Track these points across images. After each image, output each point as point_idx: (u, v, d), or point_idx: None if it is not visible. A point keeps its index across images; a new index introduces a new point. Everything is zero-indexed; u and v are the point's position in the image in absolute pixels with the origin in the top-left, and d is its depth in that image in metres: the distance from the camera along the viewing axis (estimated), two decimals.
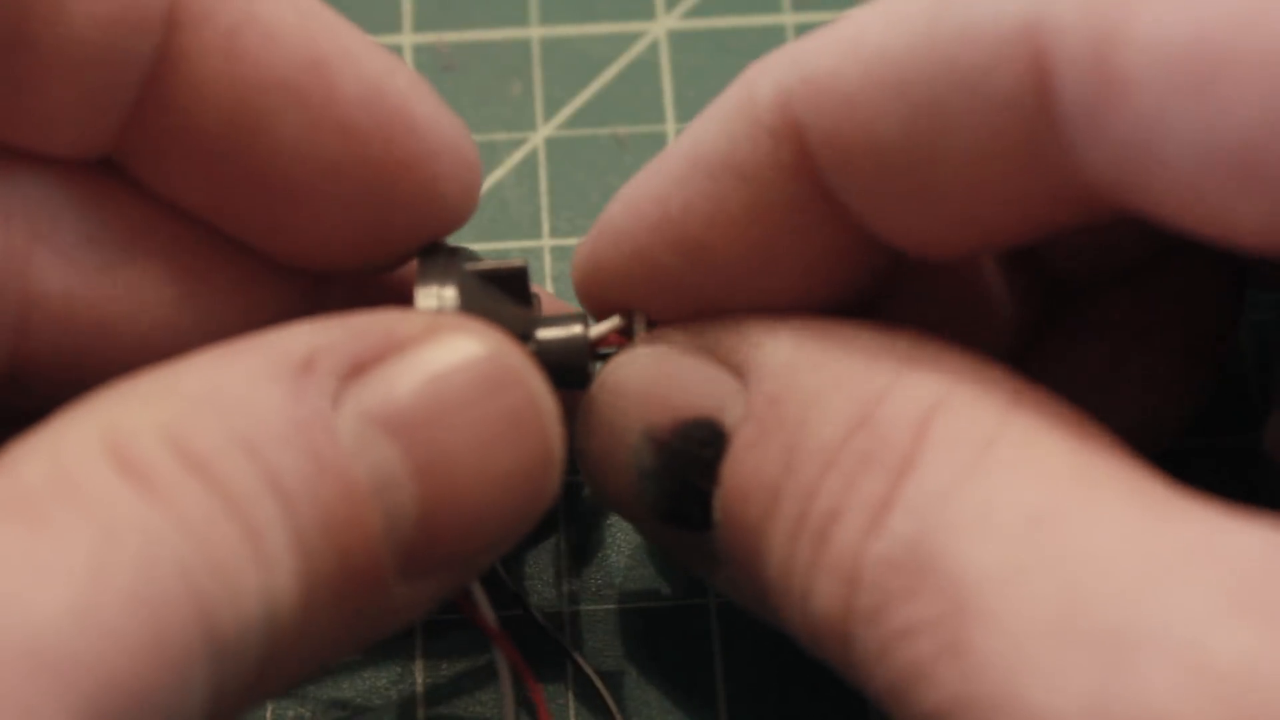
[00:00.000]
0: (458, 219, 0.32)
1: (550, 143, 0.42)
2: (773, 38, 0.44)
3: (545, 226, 0.41)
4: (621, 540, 0.37)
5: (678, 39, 0.44)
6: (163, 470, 0.25)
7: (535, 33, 0.44)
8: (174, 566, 0.25)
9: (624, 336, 0.32)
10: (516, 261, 0.32)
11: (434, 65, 0.43)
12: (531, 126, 0.42)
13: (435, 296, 0.31)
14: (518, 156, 0.42)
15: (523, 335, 0.31)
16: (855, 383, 0.28)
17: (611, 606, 0.36)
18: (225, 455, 0.26)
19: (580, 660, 0.35)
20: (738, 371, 0.30)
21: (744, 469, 0.29)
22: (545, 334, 0.32)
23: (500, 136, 0.42)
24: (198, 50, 0.30)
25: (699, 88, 0.43)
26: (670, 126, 0.42)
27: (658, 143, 0.42)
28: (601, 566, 0.37)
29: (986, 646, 0.25)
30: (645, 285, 0.31)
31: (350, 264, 0.32)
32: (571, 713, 0.35)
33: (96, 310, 0.31)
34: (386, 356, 0.28)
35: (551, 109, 0.43)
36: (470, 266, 0.31)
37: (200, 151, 0.30)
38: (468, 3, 0.44)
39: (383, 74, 0.30)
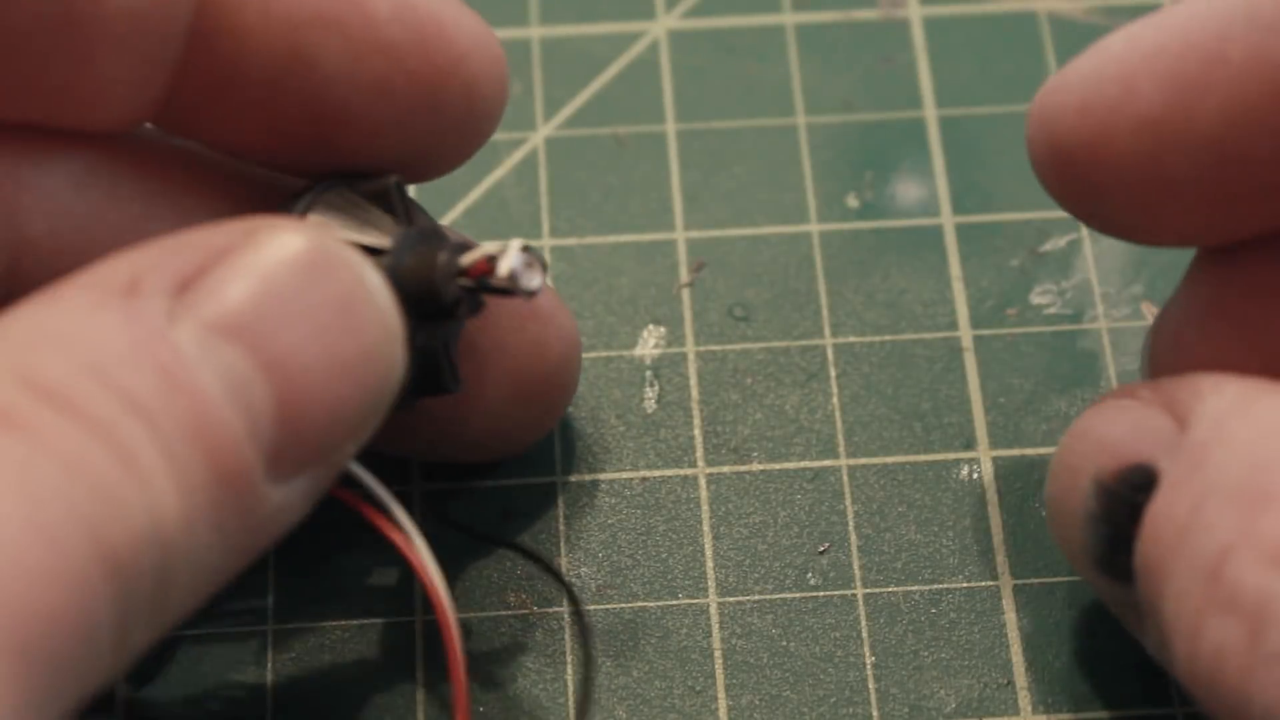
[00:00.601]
0: (494, 116, 0.33)
1: (550, 143, 0.42)
2: (773, 38, 0.44)
3: (545, 226, 0.41)
4: (622, 540, 0.37)
5: (678, 39, 0.44)
6: (21, 407, 0.26)
7: (535, 33, 0.44)
8: (58, 494, 0.25)
9: (490, 264, 0.31)
10: (384, 181, 0.32)
11: None
12: (531, 126, 0.42)
13: (296, 205, 0.31)
14: (518, 156, 0.42)
15: (376, 247, 0.31)
16: (1275, 428, 0.28)
17: (611, 606, 0.36)
18: (77, 385, 0.26)
19: (565, 579, 0.34)
20: (1182, 422, 0.30)
21: (1157, 510, 0.29)
22: (406, 251, 0.31)
23: (500, 136, 0.42)
24: (233, 1, 0.30)
25: (699, 88, 0.43)
26: (670, 126, 0.42)
27: (658, 143, 0.42)
28: (602, 566, 0.37)
29: None
30: (1111, 120, 0.30)
31: (404, 177, 0.33)
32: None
33: (85, 255, 0.31)
34: (210, 266, 0.28)
35: (551, 109, 0.43)
36: (339, 184, 0.32)
37: (248, 97, 0.31)
38: (468, 3, 0.44)
39: None
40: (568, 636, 0.36)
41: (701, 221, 0.41)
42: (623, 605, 0.36)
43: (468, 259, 0.31)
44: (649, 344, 0.40)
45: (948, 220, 0.41)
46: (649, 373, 0.39)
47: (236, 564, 0.29)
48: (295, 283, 0.28)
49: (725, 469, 0.38)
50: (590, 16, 0.44)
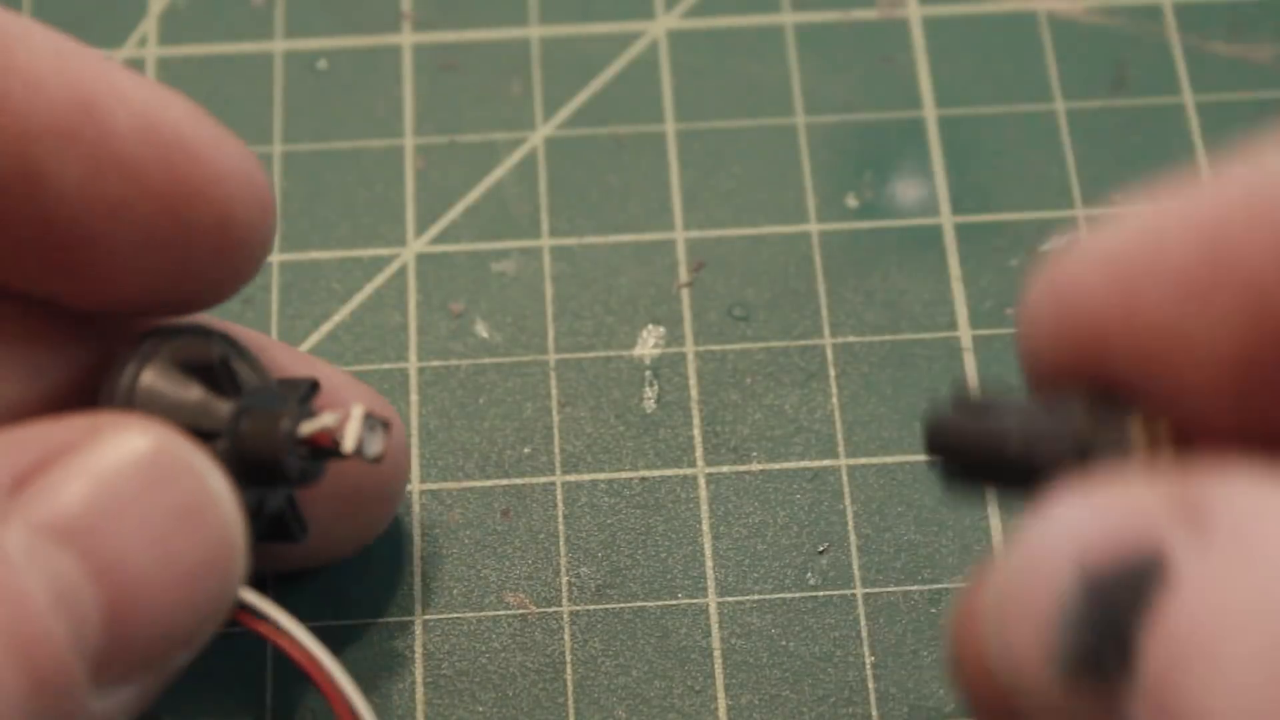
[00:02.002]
0: (256, 244, 0.31)
1: (550, 143, 0.42)
2: (772, 38, 0.44)
3: (544, 226, 0.41)
4: (621, 539, 0.37)
5: (678, 39, 0.44)
6: None
7: (535, 32, 0.44)
8: None
9: (332, 439, 0.30)
10: (216, 350, 0.31)
11: (433, 65, 0.43)
12: (531, 126, 0.42)
13: (117, 390, 0.30)
14: (517, 156, 0.42)
15: (210, 429, 0.30)
16: None
17: (611, 606, 0.36)
18: None
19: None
20: (1193, 509, 0.25)
21: (1187, 611, 0.24)
22: (245, 425, 0.30)
23: (500, 136, 0.42)
24: None
25: (699, 88, 0.43)
26: (670, 126, 0.42)
27: (657, 143, 0.42)
28: (602, 566, 0.37)
29: None
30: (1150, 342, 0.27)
31: (159, 306, 0.31)
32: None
33: None
34: (49, 465, 0.27)
35: (551, 109, 0.43)
36: (165, 355, 0.30)
37: None
38: (467, 3, 0.44)
39: (155, 105, 0.29)
40: (567, 636, 0.36)
41: (701, 221, 0.41)
42: (623, 605, 0.36)
43: (308, 430, 0.30)
44: (649, 344, 0.40)
45: (947, 220, 0.41)
46: (649, 373, 0.39)
47: None
48: (135, 487, 0.27)
49: (725, 469, 0.38)
50: (590, 16, 0.44)
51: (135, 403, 0.30)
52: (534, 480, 0.38)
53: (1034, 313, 0.28)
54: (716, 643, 0.36)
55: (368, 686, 0.36)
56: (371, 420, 0.30)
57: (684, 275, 0.40)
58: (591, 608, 0.36)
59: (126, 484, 0.27)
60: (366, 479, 0.34)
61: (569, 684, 0.36)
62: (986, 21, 0.44)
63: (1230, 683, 0.24)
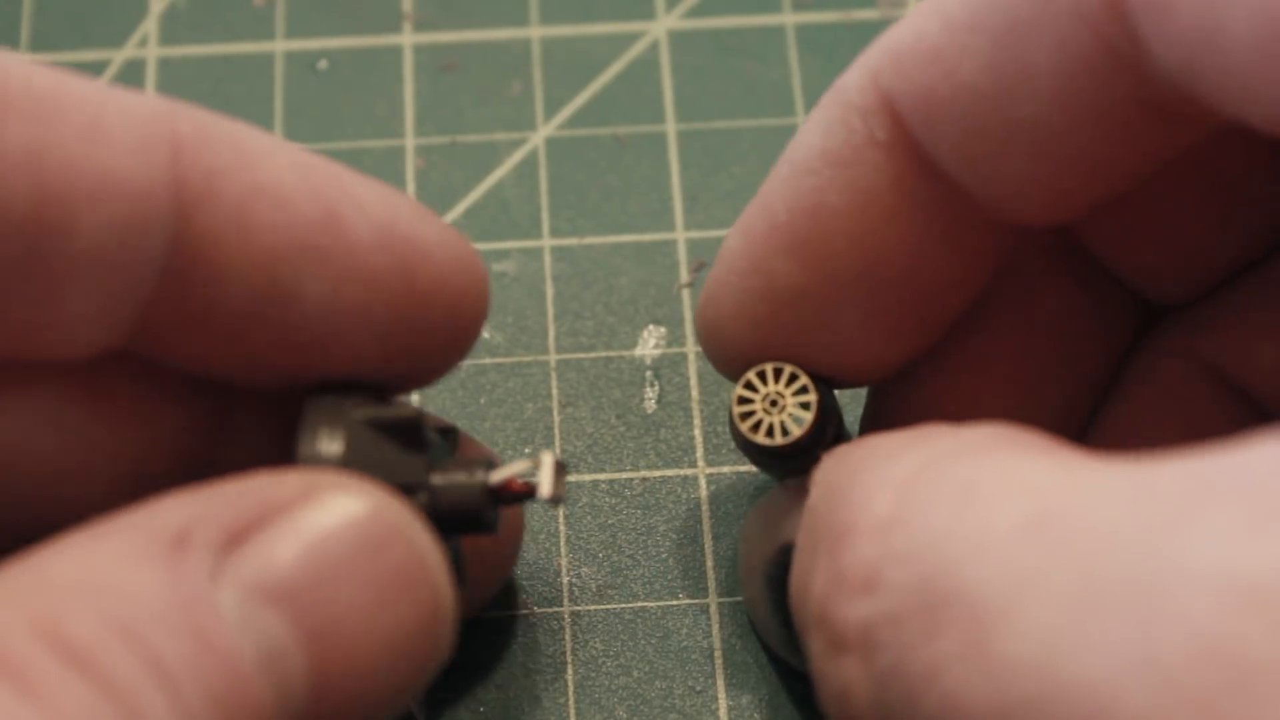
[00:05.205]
0: (475, 333, 0.32)
1: (550, 143, 0.42)
2: (773, 38, 0.44)
3: (545, 226, 0.41)
4: (622, 540, 0.37)
5: (678, 39, 0.44)
6: (39, 667, 0.24)
7: (535, 33, 0.44)
8: None
9: (526, 483, 0.31)
10: (408, 410, 0.30)
11: (434, 65, 0.43)
12: (531, 126, 0.42)
13: (319, 449, 0.30)
14: (518, 156, 0.42)
15: (413, 485, 0.30)
16: (856, 473, 0.29)
17: (611, 606, 0.36)
18: (103, 645, 0.25)
19: None
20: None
21: (791, 581, 0.30)
22: (440, 481, 0.30)
23: (500, 136, 0.42)
24: (211, 231, 0.29)
25: (699, 88, 0.43)
26: (670, 126, 0.42)
27: (658, 143, 0.42)
28: (602, 566, 0.37)
29: (1013, 649, 0.24)
30: (765, 307, 0.33)
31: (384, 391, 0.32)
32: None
33: (82, 468, 0.30)
34: (264, 523, 0.27)
35: (551, 109, 0.43)
36: (359, 414, 0.30)
37: (223, 327, 0.30)
38: (468, 3, 0.44)
39: (389, 211, 0.30)
40: (568, 636, 0.36)
41: (701, 221, 0.41)
42: (623, 605, 0.36)
43: (498, 479, 0.30)
44: (649, 344, 0.40)
45: None
46: (649, 373, 0.39)
47: None
48: (349, 553, 0.27)
49: (726, 469, 0.38)
50: (590, 16, 0.44)
51: (339, 461, 0.29)
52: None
53: (703, 348, 0.34)
54: (717, 643, 0.36)
55: None
56: (558, 465, 0.31)
57: (685, 275, 0.40)
58: (592, 608, 0.36)
59: (341, 548, 0.27)
60: (488, 546, 0.34)
61: (570, 684, 0.36)
62: None
63: None
